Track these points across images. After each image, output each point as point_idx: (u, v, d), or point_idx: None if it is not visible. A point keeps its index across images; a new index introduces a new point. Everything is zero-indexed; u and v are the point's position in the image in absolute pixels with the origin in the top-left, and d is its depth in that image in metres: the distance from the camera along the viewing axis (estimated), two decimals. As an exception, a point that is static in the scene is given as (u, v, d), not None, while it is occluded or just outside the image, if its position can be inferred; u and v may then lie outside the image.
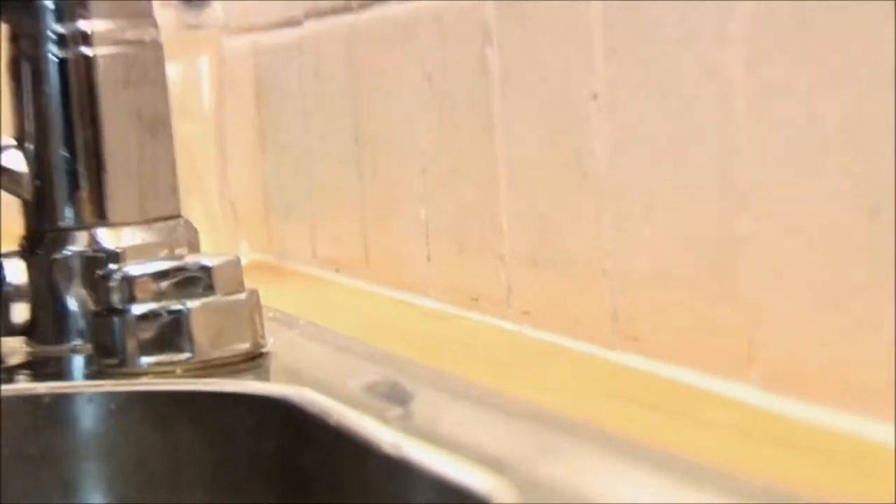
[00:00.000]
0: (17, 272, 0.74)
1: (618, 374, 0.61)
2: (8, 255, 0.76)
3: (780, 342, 0.53)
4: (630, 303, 0.63)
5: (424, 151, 0.83)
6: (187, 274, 0.68)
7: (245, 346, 0.68)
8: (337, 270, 0.97)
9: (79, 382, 0.68)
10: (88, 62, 0.74)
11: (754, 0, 0.52)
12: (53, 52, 0.74)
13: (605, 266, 0.64)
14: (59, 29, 0.74)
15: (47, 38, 0.74)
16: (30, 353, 0.74)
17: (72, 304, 0.74)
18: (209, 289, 0.68)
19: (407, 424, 0.53)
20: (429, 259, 0.83)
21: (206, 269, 0.68)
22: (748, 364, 0.54)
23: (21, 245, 0.76)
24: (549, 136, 0.69)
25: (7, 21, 0.75)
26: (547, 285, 0.70)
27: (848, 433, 0.48)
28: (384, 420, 0.53)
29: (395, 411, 0.55)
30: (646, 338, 0.62)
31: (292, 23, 1.02)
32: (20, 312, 0.75)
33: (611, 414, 0.54)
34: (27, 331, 0.75)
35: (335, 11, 0.94)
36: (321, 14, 0.97)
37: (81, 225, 0.75)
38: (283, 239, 1.07)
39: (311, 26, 0.99)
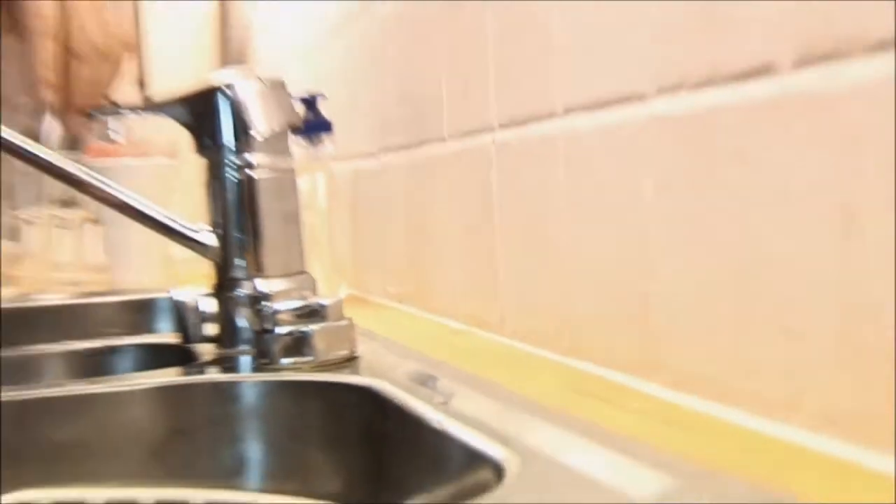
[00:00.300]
0: (210, 304, 0.72)
1: (571, 373, 0.58)
2: (204, 294, 0.72)
3: (679, 357, 0.49)
4: (578, 328, 0.59)
5: (450, 233, 0.79)
6: (310, 308, 0.66)
7: (345, 353, 0.65)
8: (399, 302, 0.93)
9: (245, 374, 0.65)
10: (252, 181, 0.71)
11: (663, 156, 0.49)
12: (232, 174, 0.71)
13: (562, 309, 0.61)
14: (235, 160, 0.71)
15: (227, 165, 0.71)
16: (216, 354, 0.71)
17: (242, 324, 0.71)
18: (323, 318, 0.65)
19: (446, 408, 0.49)
20: (454, 296, 0.79)
21: (323, 306, 0.66)
22: (658, 369, 0.51)
23: (213, 289, 0.73)
24: (527, 226, 0.65)
25: (204, 156, 0.72)
26: (526, 316, 0.67)
27: (723, 419, 0.45)
28: (432, 404, 0.50)
29: (438, 398, 0.52)
30: (589, 350, 0.58)
31: (372, 155, 0.99)
32: (211, 329, 0.72)
33: (567, 401, 0.51)
34: (215, 340, 0.72)
35: (399, 149, 0.91)
36: (390, 150, 0.94)
37: (248, 277, 0.72)
38: (367, 282, 1.04)
39: (384, 157, 0.96)
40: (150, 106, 0.75)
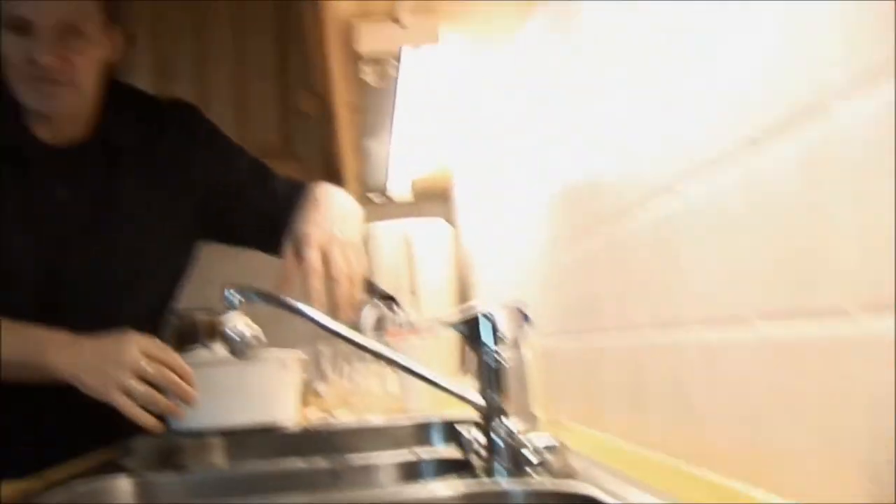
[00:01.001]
0: (480, 435, 0.69)
1: (708, 483, 0.52)
2: (469, 424, 0.70)
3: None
4: (709, 448, 0.54)
5: (614, 384, 0.76)
6: (547, 444, 0.64)
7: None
8: (577, 423, 0.89)
9: (515, 483, 0.62)
10: (502, 366, 0.69)
11: (765, 369, 0.46)
12: (490, 361, 0.70)
13: (692, 433, 0.57)
14: (492, 354, 0.69)
15: (486, 355, 0.70)
16: (483, 466, 0.67)
17: (499, 447, 0.67)
18: (553, 448, 0.63)
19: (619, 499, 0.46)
20: (617, 421, 0.75)
21: (553, 444, 0.64)
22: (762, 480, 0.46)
23: (479, 425, 0.70)
24: (670, 388, 0.62)
25: (473, 349, 0.71)
26: (666, 435, 0.62)
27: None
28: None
29: (615, 494, 0.48)
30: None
31: (554, 335, 0.98)
32: (481, 450, 0.68)
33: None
34: (482, 458, 0.68)
35: (574, 332, 0.90)
36: (568, 333, 0.92)
37: (498, 417, 0.68)
38: (555, 410, 1.00)
39: (564, 336, 0.95)
40: (443, 322, 0.76)
